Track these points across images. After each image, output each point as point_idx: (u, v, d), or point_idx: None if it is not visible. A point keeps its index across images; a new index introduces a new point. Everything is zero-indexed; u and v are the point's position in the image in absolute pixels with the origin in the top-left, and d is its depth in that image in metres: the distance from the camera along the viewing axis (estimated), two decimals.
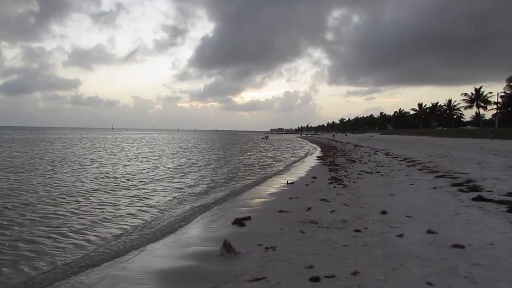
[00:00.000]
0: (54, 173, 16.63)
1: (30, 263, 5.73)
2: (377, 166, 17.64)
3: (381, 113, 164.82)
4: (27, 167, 18.93)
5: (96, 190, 12.43)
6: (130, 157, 27.66)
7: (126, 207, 9.85)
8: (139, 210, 9.57)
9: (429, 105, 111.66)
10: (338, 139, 76.82)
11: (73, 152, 31.66)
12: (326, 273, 4.29)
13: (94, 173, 17.03)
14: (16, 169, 17.71)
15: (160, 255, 6.07)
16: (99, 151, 34.50)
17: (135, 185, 13.69)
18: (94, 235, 7.26)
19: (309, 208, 8.40)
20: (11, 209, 9.29)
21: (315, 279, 4.15)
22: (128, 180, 15.12)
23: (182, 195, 11.90)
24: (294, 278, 4.30)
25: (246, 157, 31.19)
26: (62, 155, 27.85)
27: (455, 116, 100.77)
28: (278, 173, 18.93)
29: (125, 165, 21.70)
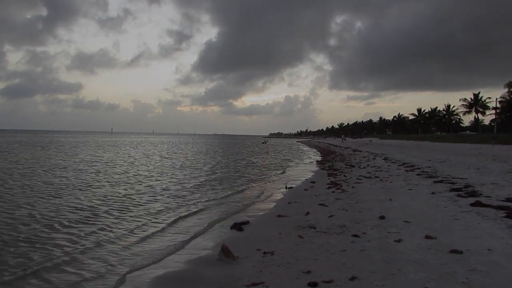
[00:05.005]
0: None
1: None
2: (376, 171, 17.65)
3: (380, 118, 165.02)
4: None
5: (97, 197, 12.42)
6: (136, 160, 27.67)
7: (123, 209, 9.83)
8: (135, 214, 9.54)
9: (428, 110, 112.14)
10: (338, 143, 76.88)
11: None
12: (324, 278, 4.29)
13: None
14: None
15: (157, 260, 6.06)
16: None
17: (133, 187, 13.69)
18: (89, 239, 7.25)
19: (307, 213, 8.40)
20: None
21: (313, 284, 4.14)
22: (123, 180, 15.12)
23: (179, 198, 11.88)
24: (292, 283, 4.29)
25: (244, 161, 31.19)
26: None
27: (454, 121, 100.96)
28: (277, 177, 18.92)
29: (127, 166, 21.71)
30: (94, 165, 23.14)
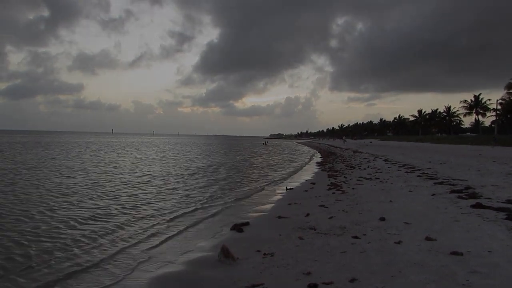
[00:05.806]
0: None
1: None
2: (376, 172, 17.64)
3: (381, 119, 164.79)
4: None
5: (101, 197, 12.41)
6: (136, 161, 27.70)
7: (123, 211, 9.82)
8: (134, 216, 9.53)
9: (428, 111, 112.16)
10: (338, 145, 76.81)
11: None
12: (324, 279, 4.28)
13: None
14: None
15: (157, 261, 6.05)
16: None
17: (135, 188, 13.69)
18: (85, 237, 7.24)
19: (307, 214, 8.39)
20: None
21: (313, 286, 4.14)
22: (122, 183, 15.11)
23: (181, 200, 11.87)
24: (292, 285, 4.29)
25: (245, 162, 31.17)
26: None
27: (454, 123, 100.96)
28: (278, 179, 18.89)
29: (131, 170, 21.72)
30: (100, 166, 23.16)
